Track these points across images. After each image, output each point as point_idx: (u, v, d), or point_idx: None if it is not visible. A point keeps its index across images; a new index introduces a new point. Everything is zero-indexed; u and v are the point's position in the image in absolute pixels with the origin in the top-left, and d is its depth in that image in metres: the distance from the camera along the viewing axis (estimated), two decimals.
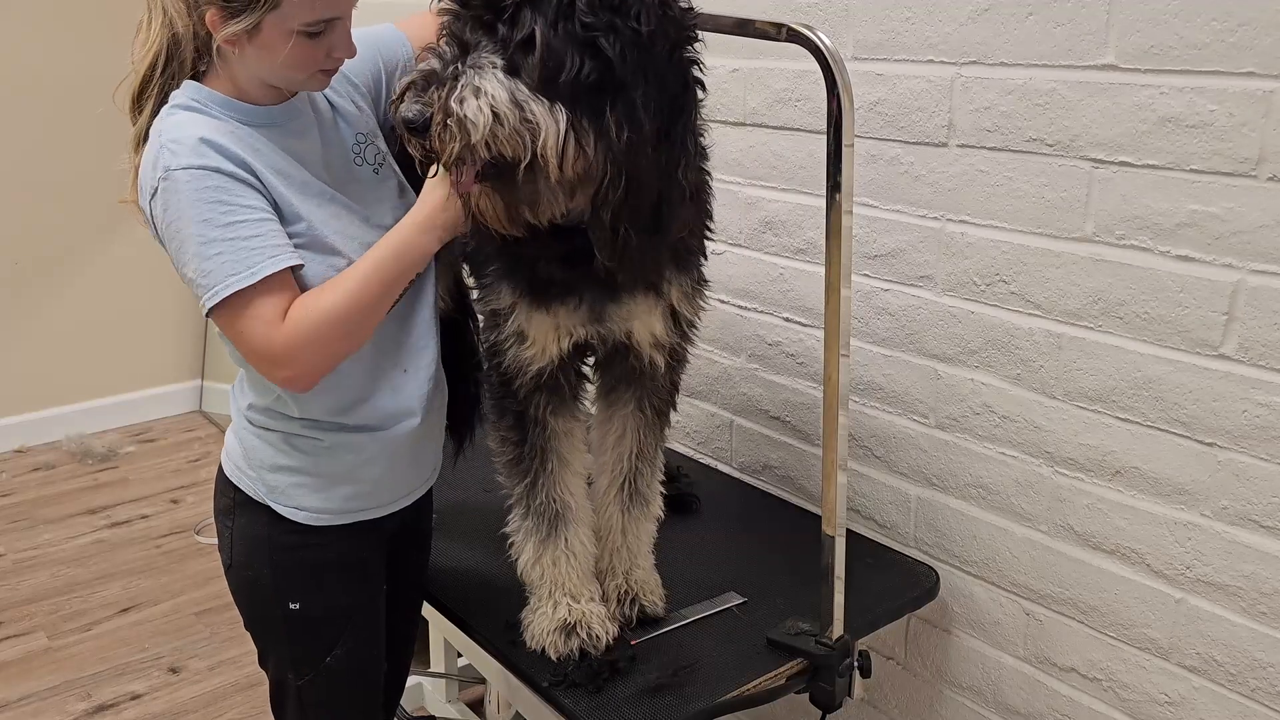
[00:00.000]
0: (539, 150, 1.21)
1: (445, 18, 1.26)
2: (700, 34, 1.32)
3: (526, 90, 1.20)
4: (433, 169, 1.32)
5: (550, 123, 1.20)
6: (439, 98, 1.20)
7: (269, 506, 1.52)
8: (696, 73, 1.32)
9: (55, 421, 4.16)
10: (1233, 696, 1.50)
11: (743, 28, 1.42)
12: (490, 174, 1.25)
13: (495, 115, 1.19)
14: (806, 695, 1.57)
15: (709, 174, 1.48)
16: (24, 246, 3.99)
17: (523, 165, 1.22)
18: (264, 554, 1.54)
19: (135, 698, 2.71)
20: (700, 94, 1.33)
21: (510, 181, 1.25)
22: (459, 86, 1.19)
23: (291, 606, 1.54)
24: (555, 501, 1.54)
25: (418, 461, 1.61)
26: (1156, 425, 1.52)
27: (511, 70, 1.20)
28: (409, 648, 1.86)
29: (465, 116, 1.19)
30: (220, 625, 2.99)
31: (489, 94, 1.19)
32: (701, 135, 1.45)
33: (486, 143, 1.20)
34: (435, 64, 1.23)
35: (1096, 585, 1.63)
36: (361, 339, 1.40)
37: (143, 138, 1.39)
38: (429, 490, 1.69)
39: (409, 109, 1.22)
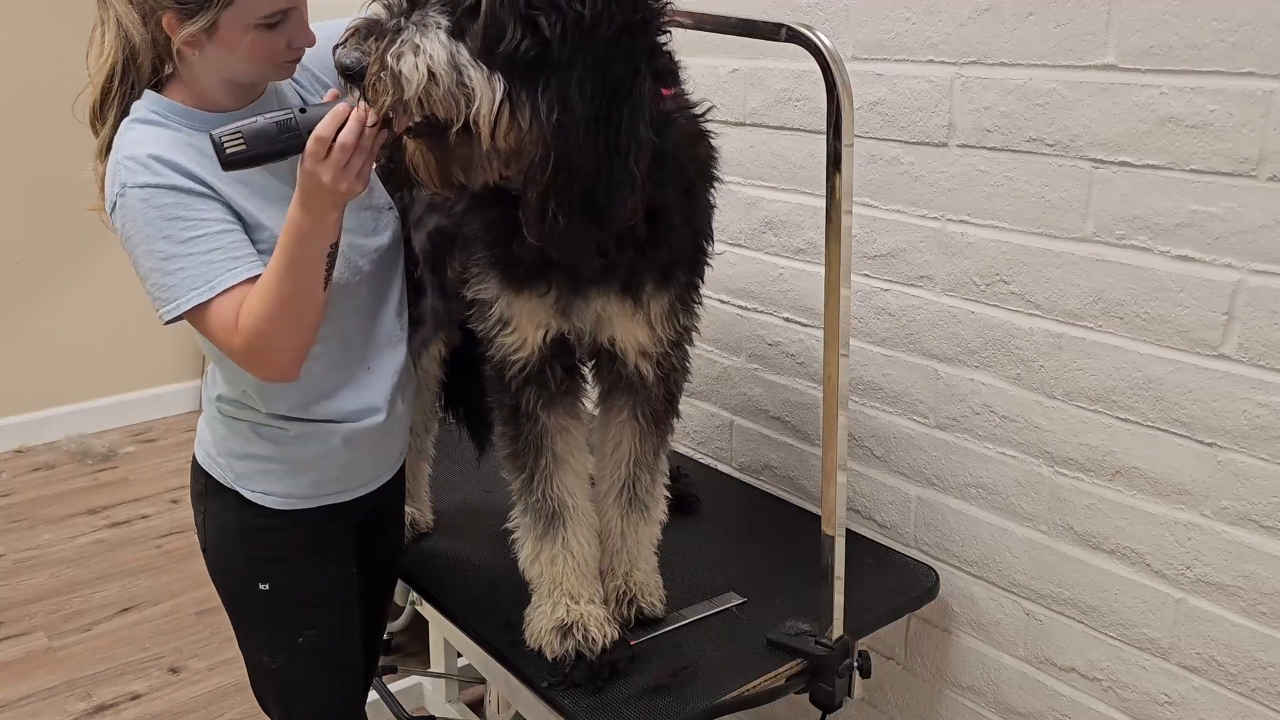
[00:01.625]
0: (472, 116, 1.19)
1: None
2: (666, 22, 1.29)
3: (467, 55, 1.18)
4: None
5: (486, 91, 1.18)
6: (377, 48, 1.19)
7: (238, 491, 1.56)
8: (667, 62, 1.30)
9: (55, 421, 4.17)
10: (1233, 696, 1.50)
11: (743, 28, 1.42)
12: (424, 131, 1.25)
13: (431, 75, 1.17)
14: (806, 695, 1.57)
15: (712, 187, 1.49)
16: (25, 246, 3.99)
17: (455, 128, 1.21)
18: (234, 537, 1.58)
19: (135, 698, 2.71)
20: (652, 82, 1.28)
21: (443, 142, 1.24)
22: (399, 41, 1.18)
23: (261, 587, 1.58)
24: (552, 500, 1.55)
25: (383, 451, 1.64)
26: (1156, 425, 1.52)
27: (456, 33, 1.18)
28: (380, 629, 1.91)
29: (400, 72, 1.17)
30: (220, 625, 2.98)
31: (428, 53, 1.17)
32: (712, 162, 1.46)
33: (420, 100, 1.19)
34: (381, 14, 1.21)
35: (1096, 585, 1.63)
36: (312, 320, 1.38)
37: (107, 147, 1.40)
38: (399, 473, 1.72)
39: (348, 55, 1.21)
